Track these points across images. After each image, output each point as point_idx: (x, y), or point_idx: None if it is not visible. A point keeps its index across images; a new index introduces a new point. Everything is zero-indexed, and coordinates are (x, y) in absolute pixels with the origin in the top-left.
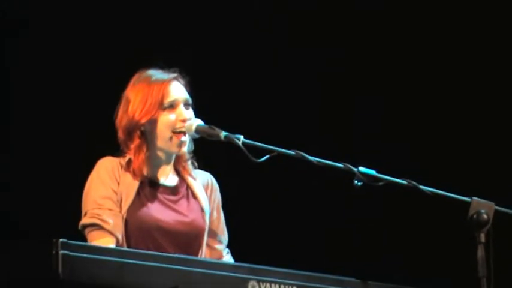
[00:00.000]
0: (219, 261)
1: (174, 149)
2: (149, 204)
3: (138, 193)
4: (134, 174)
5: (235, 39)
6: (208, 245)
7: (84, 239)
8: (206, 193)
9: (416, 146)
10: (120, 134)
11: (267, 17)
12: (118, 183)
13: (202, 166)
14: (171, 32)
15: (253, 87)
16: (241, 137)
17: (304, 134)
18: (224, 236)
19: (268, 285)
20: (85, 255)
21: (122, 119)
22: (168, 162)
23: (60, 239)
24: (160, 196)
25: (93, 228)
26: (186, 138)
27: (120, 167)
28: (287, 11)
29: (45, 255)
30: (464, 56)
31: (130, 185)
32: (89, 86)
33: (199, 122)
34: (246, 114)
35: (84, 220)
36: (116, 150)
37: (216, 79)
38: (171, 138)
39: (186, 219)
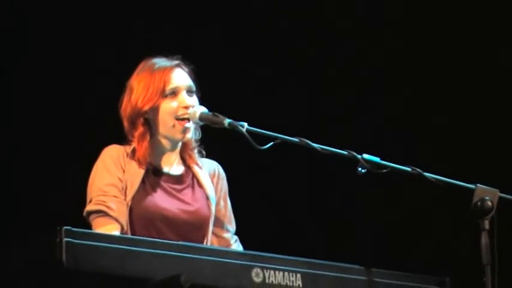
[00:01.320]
0: (223, 248)
1: (178, 136)
2: (154, 193)
3: (143, 181)
4: (139, 163)
5: (235, 39)
6: (215, 234)
7: (88, 228)
8: (212, 182)
9: (420, 134)
10: (125, 123)
11: (267, 17)
12: (123, 171)
13: (208, 154)
14: (171, 31)
15: (253, 86)
16: (245, 124)
17: (304, 130)
18: (231, 225)
19: (272, 272)
20: (89, 242)
21: (126, 108)
22: (172, 150)
23: (64, 227)
24: (165, 185)
25: (98, 214)
26: (190, 125)
27: (125, 155)
28: (287, 11)
29: (49, 242)
30: (466, 45)
31: (136, 173)
32: (90, 83)
33: (203, 109)
34: (245, 114)
35: (89, 207)
36: (119, 143)
37: (216, 79)
38: (174, 125)
39: (190, 208)
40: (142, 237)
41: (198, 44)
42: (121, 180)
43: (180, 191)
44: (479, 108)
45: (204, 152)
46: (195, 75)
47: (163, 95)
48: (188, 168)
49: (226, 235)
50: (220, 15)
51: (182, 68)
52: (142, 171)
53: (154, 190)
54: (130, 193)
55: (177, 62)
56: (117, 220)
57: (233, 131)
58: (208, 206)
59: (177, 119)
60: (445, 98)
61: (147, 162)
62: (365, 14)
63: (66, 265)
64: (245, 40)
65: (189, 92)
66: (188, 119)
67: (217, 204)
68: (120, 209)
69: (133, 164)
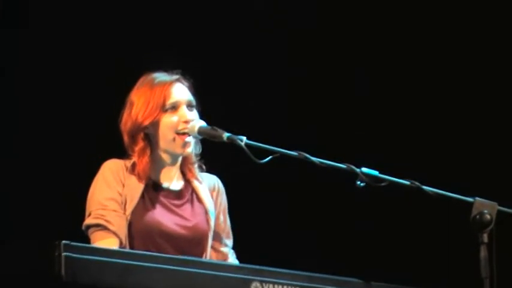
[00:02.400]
0: (222, 262)
1: (179, 150)
2: (153, 208)
3: (142, 196)
4: (139, 177)
5: (235, 39)
6: (213, 248)
7: (86, 241)
8: (212, 196)
9: (418, 147)
10: (125, 137)
11: (267, 17)
12: (123, 185)
13: (207, 168)
14: (171, 31)
15: (253, 87)
16: (244, 138)
17: (304, 137)
18: (229, 239)
19: (271, 286)
20: (88, 257)
21: (126, 122)
22: (173, 165)
23: (63, 241)
24: (165, 200)
25: (97, 228)
26: (190, 139)
27: (125, 169)
28: (287, 12)
29: (48, 257)
30: (465, 55)
31: (135, 188)
32: (92, 88)
33: (202, 123)
34: (244, 116)
35: (89, 220)
36: (120, 153)
37: (217, 80)
38: (174, 139)
39: (189, 224)
40: (141, 252)
41: (197, 45)
42: (120, 195)
43: (179, 206)
44: (478, 120)
45: (204, 167)
46: (195, 89)
47: (164, 109)
48: (188, 183)
49: (224, 249)
50: (220, 15)
51: (182, 83)
52: (142, 186)
53: (153, 205)
54: (130, 208)
55: (177, 76)
56: (116, 234)
57: (232, 144)
58: (208, 221)
59: (177, 133)
60: (443, 108)
61: (146, 177)
62: (365, 14)
63: (65, 279)
64: (245, 41)
65: (189, 106)
66: (188, 133)
67: (217, 218)
68: (119, 223)
69: (133, 179)
